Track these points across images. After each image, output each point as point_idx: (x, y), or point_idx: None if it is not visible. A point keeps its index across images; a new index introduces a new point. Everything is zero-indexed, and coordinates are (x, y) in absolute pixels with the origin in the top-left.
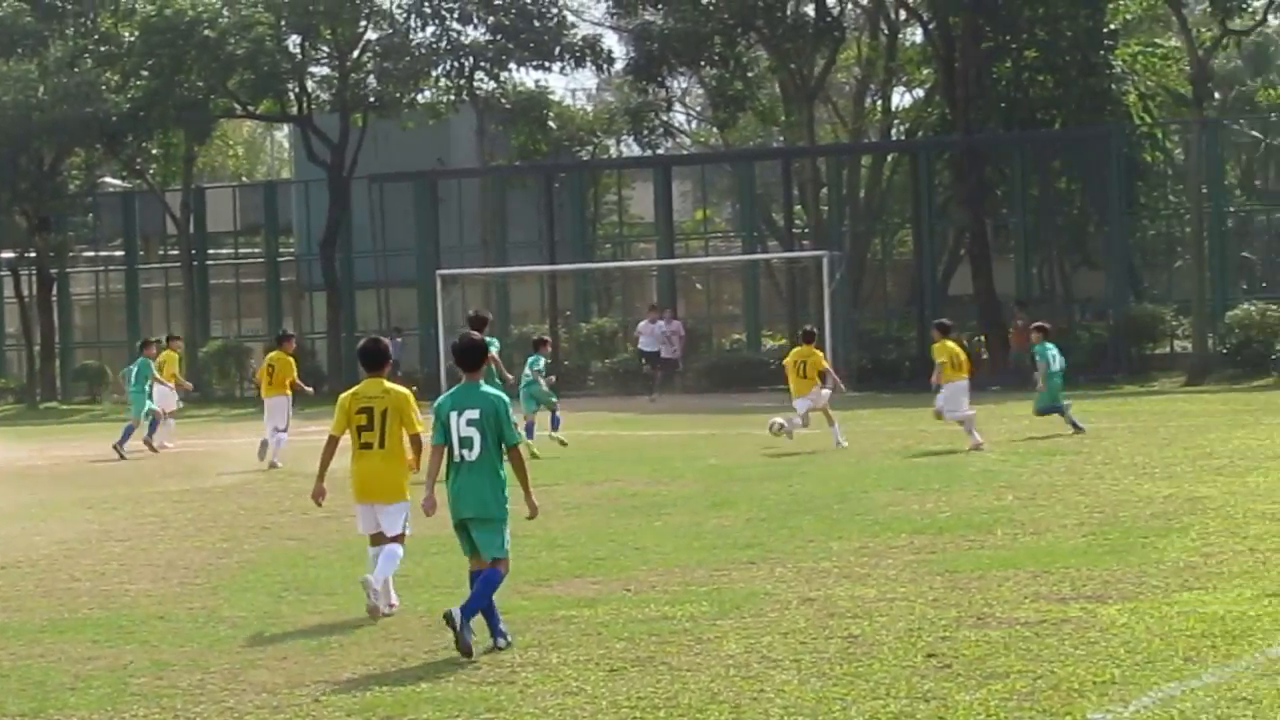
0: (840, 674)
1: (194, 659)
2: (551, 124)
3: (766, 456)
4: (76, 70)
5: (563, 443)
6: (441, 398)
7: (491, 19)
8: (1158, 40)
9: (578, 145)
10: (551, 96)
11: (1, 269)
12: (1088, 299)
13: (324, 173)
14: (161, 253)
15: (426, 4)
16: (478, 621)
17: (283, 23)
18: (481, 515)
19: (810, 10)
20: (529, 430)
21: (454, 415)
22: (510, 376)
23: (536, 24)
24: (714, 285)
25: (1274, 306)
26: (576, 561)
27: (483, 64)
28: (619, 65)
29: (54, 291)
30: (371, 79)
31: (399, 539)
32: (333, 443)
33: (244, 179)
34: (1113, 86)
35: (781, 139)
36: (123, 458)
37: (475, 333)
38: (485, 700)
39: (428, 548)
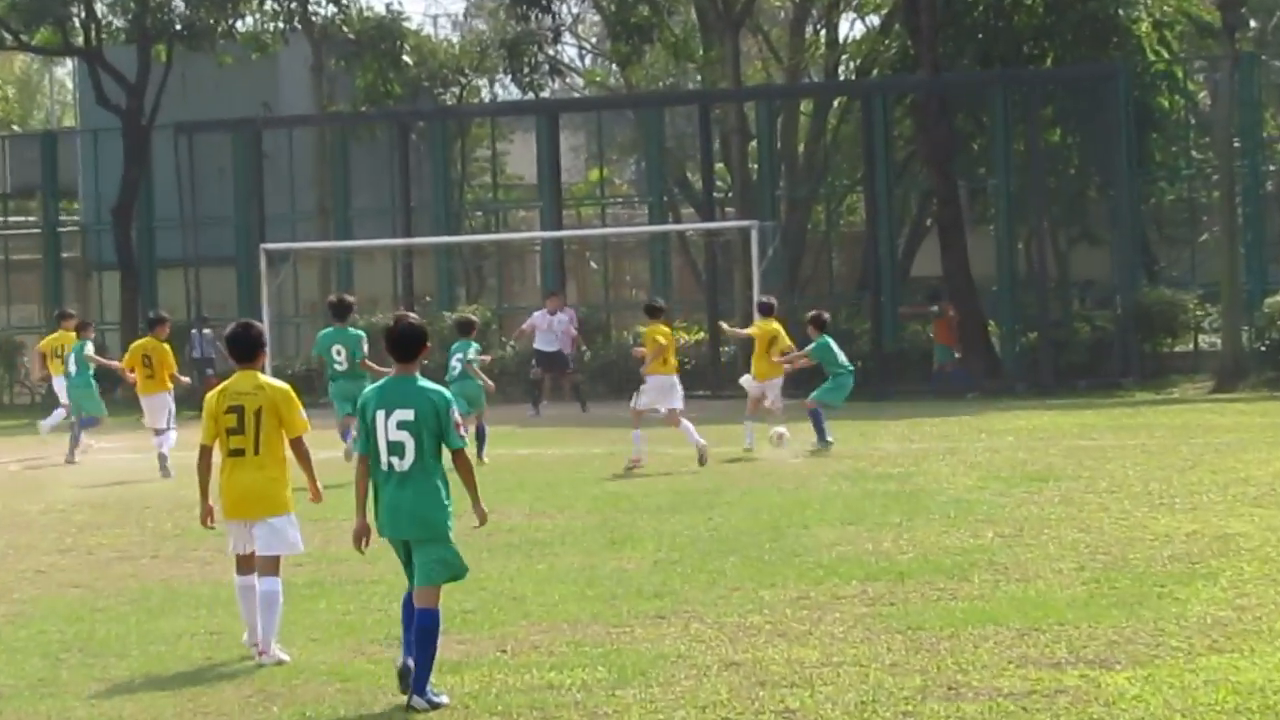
0: None
1: None
2: (407, 59)
3: (680, 478)
4: None
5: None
6: (366, 393)
7: None
8: None
9: (440, 87)
10: (407, 25)
11: None
12: (1088, 282)
13: (117, 121)
14: None
15: None
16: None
17: None
18: (421, 535)
19: None
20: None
21: (381, 416)
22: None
23: None
24: (613, 264)
25: None
26: None
27: None
28: None
29: None
30: (178, 2)
31: (276, 566)
32: (206, 455)
33: (15, 128)
34: (1119, 13)
35: (699, 79)
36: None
37: (412, 315)
38: None
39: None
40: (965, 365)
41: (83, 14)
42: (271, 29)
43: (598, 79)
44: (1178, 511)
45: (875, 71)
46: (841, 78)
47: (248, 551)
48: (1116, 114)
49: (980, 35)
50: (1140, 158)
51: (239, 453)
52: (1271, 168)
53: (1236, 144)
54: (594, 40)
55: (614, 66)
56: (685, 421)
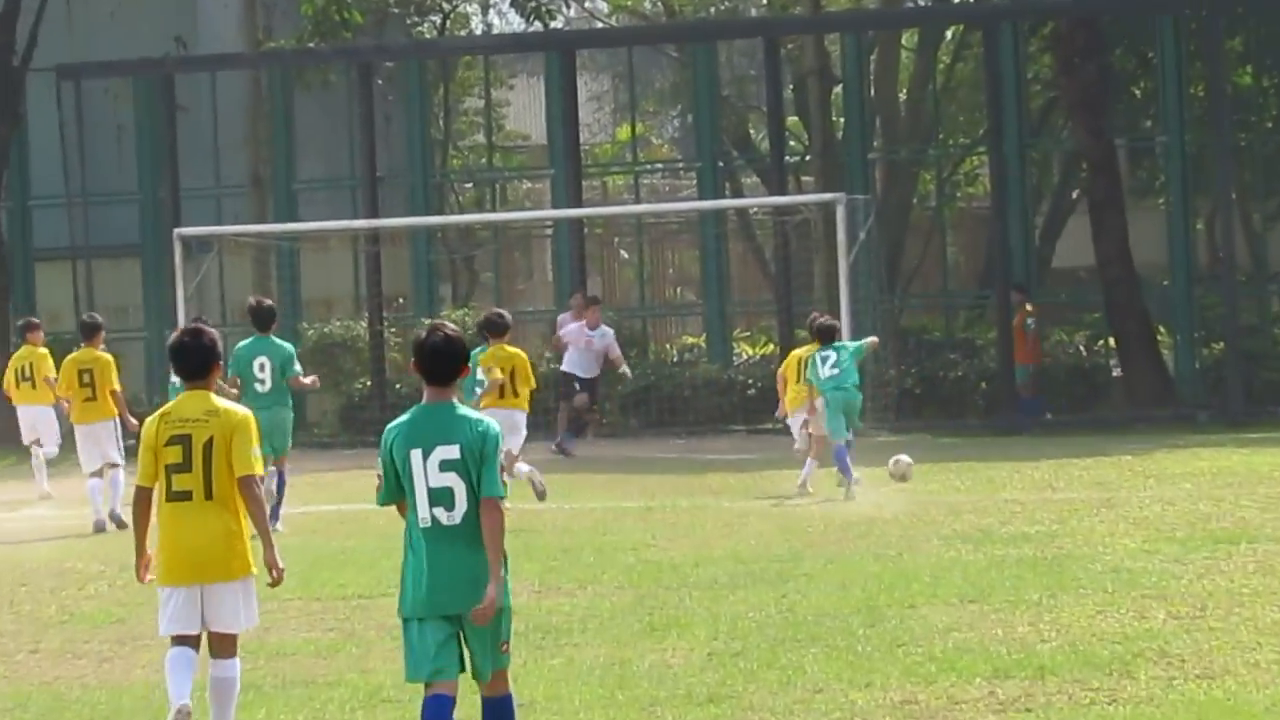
0: None
1: None
2: None
3: (743, 539)
4: None
5: None
6: (391, 428)
7: None
8: None
9: (416, 15)
10: None
11: None
12: None
13: None
14: None
15: None
16: None
17: None
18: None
19: None
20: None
21: (418, 457)
22: (310, 381)
23: None
24: (650, 253)
25: None
26: None
27: None
28: None
29: None
30: None
31: (234, 645)
32: (144, 499)
33: None
34: None
35: (764, 3)
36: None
37: (450, 325)
38: None
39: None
40: (1040, 388)
41: None
42: None
43: (628, 4)
44: None
45: None
46: (957, 1)
47: (192, 631)
48: None
49: None
50: None
51: (184, 496)
52: None
53: None
54: None
55: None
56: (521, 465)
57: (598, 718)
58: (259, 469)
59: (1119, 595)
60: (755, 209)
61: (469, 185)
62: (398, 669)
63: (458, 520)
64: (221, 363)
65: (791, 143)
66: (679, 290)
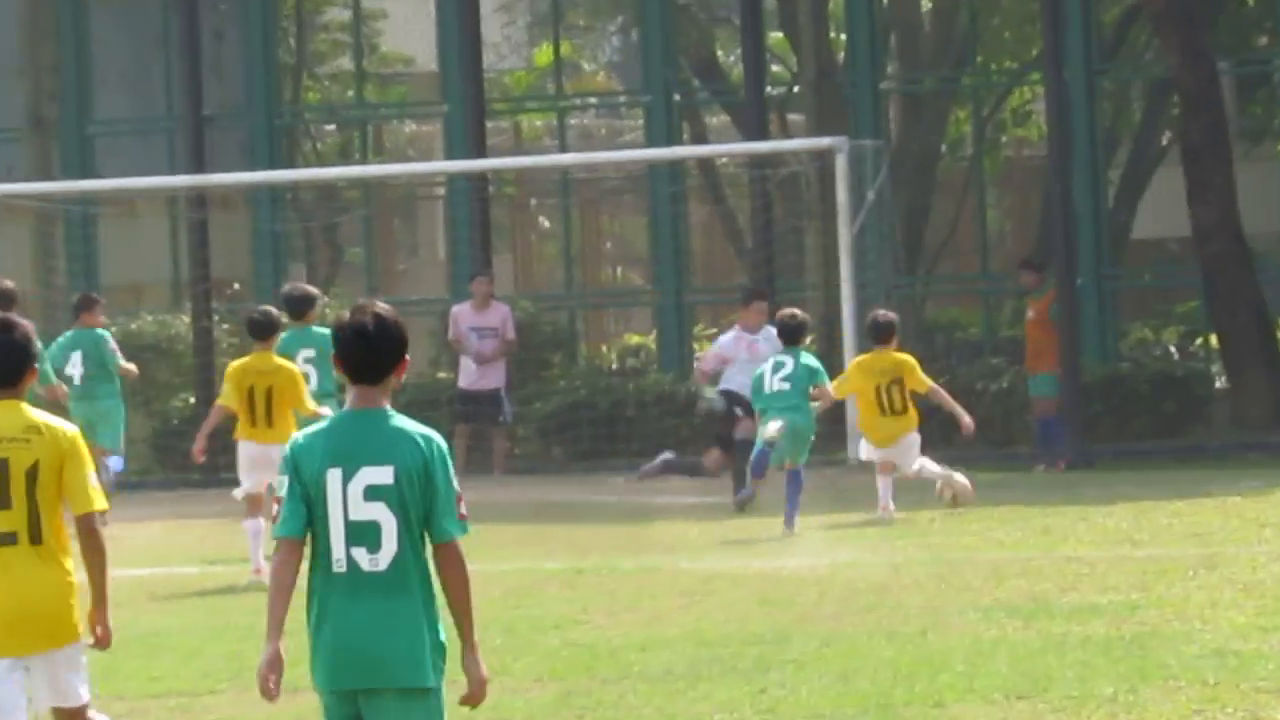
0: None
1: None
2: None
3: (704, 608)
4: None
5: None
6: (302, 437)
7: None
8: None
9: None
10: None
11: None
12: None
13: None
14: None
15: None
16: None
17: None
18: (397, 683)
19: None
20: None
21: (335, 478)
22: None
23: None
24: (581, 221)
25: None
26: None
27: None
28: None
29: None
30: None
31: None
32: None
33: None
34: None
35: None
36: None
37: (380, 304)
38: None
39: None
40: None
41: None
42: None
43: None
44: None
45: None
46: None
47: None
48: None
49: None
50: None
51: (6, 540)
52: None
53: None
54: None
55: None
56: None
57: None
58: (100, 504)
59: (1224, 688)
60: (725, 159)
61: (331, 127)
62: None
63: (382, 566)
64: (38, 367)
65: (775, 68)
66: (619, 271)
